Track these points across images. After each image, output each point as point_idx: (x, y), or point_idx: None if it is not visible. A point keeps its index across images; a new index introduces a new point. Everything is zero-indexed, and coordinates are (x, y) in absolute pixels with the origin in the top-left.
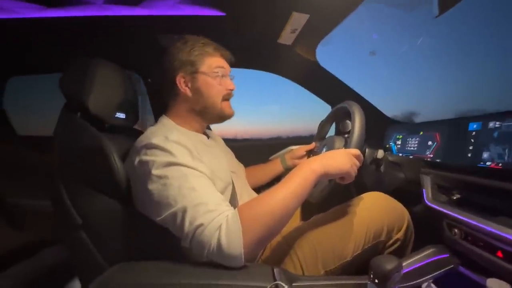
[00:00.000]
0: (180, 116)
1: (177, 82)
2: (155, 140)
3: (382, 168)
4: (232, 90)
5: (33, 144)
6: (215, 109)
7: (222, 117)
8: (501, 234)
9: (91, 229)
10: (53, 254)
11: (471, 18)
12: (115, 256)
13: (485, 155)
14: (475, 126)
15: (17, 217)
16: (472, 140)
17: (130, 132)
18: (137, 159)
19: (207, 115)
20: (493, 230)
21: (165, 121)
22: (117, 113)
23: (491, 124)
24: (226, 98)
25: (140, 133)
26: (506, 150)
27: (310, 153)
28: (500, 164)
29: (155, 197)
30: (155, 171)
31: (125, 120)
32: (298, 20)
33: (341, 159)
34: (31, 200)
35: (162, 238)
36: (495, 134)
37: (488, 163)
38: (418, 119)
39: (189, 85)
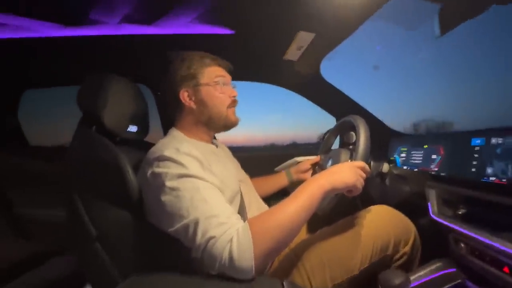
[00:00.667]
0: (188, 128)
1: (181, 97)
2: (167, 152)
3: (387, 181)
4: (235, 96)
5: (44, 154)
6: (220, 118)
7: (228, 125)
8: (507, 250)
9: (105, 241)
10: (61, 264)
11: (474, 36)
12: (128, 266)
13: (489, 170)
14: (478, 141)
15: (26, 227)
16: (476, 155)
17: (141, 145)
18: (149, 171)
19: (213, 125)
20: (499, 246)
21: (175, 133)
22: (130, 127)
23: (493, 140)
24: (231, 105)
25: (151, 145)
26: (509, 166)
27: (315, 166)
28: (504, 180)
29: (167, 208)
30: (168, 183)
31: (137, 133)
32: (304, 38)
33: (347, 173)
34: (39, 209)
35: (173, 250)
36: (498, 150)
37: (492, 179)
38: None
39: (193, 98)
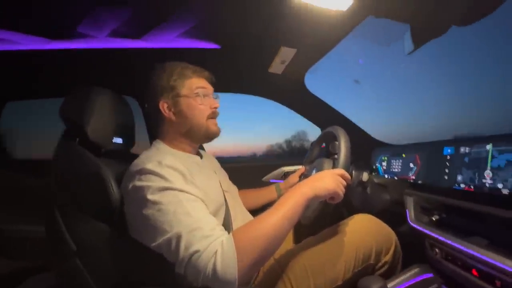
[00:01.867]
0: (171, 140)
1: (161, 108)
2: (149, 165)
3: (368, 190)
4: (216, 108)
5: (25, 167)
6: (200, 129)
7: (209, 136)
8: (474, 253)
9: (85, 256)
10: (41, 282)
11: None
12: (109, 283)
13: (459, 178)
14: (449, 150)
15: (5, 243)
16: (448, 164)
17: (126, 156)
18: (130, 185)
19: (194, 136)
20: (467, 250)
21: (159, 145)
22: (114, 139)
23: (462, 150)
24: (211, 116)
25: (136, 157)
26: (476, 174)
27: (301, 176)
28: (472, 187)
29: (149, 222)
30: (149, 197)
31: (122, 145)
32: (286, 53)
33: (328, 180)
34: (18, 225)
35: (156, 265)
36: (466, 159)
37: (462, 186)
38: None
39: (172, 109)
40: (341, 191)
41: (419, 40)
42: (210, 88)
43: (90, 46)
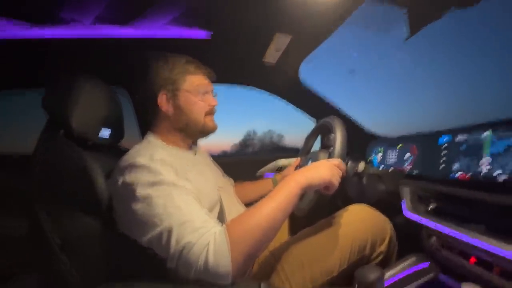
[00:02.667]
0: (164, 134)
1: (159, 100)
2: (140, 159)
3: (364, 180)
4: (214, 105)
5: (7, 162)
6: (197, 125)
7: (205, 132)
8: (471, 241)
9: (70, 251)
10: (26, 281)
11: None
12: (96, 279)
13: (456, 166)
14: (445, 139)
15: None
16: (444, 153)
17: (115, 150)
18: (120, 179)
19: (189, 132)
20: (465, 238)
21: (151, 138)
22: (102, 131)
23: (458, 138)
24: (209, 113)
25: (125, 150)
26: (473, 162)
27: (297, 168)
28: (468, 175)
29: (139, 217)
30: (139, 191)
31: (110, 137)
32: (281, 40)
33: (323, 169)
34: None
35: (145, 260)
36: (463, 147)
37: (458, 174)
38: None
39: (171, 103)
40: (336, 181)
41: (417, 24)
42: (210, 86)
43: (73, 32)
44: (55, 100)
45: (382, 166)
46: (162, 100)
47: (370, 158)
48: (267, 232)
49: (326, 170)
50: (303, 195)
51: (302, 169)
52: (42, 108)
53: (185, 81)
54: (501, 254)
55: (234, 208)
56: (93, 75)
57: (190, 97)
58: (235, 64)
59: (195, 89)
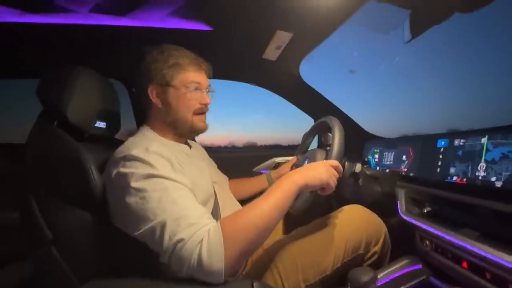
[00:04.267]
0: (158, 127)
1: (149, 93)
2: (135, 152)
3: (360, 182)
4: (206, 104)
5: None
6: (185, 123)
7: (194, 132)
8: (465, 245)
9: (62, 244)
10: (19, 270)
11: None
12: (87, 272)
13: (452, 170)
14: (443, 143)
15: None
16: (441, 156)
17: (111, 142)
18: (115, 171)
19: (178, 129)
20: (458, 242)
21: (146, 131)
22: (97, 123)
23: (456, 142)
24: (198, 112)
25: (121, 143)
26: (469, 167)
27: (293, 167)
28: (464, 180)
29: (133, 210)
30: (134, 184)
31: (106, 129)
32: (282, 38)
33: (321, 170)
34: None
35: (137, 254)
36: (460, 152)
37: (454, 178)
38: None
39: (160, 97)
40: (333, 182)
41: (419, 27)
42: (205, 83)
43: (70, 21)
44: (49, 90)
45: (379, 167)
46: (152, 94)
47: (367, 158)
48: (262, 230)
49: (323, 171)
50: (299, 194)
51: (300, 169)
52: (36, 96)
53: (177, 77)
54: (495, 260)
55: (228, 203)
56: (89, 66)
57: (179, 94)
58: (234, 60)
59: (187, 85)
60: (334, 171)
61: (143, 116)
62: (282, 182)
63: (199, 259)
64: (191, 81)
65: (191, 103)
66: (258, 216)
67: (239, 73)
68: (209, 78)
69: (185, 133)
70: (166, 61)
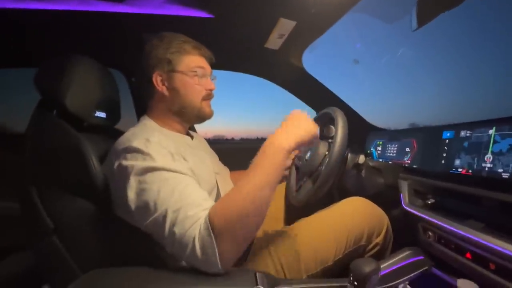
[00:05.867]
0: (160, 117)
1: (154, 81)
2: (136, 143)
3: (363, 173)
4: (212, 90)
5: (2, 142)
6: (193, 109)
7: (201, 117)
8: (469, 236)
9: (64, 234)
10: (21, 261)
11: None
12: (89, 262)
13: (457, 162)
14: (448, 134)
15: None
16: (446, 148)
17: (111, 132)
18: (116, 163)
19: (185, 115)
20: (463, 233)
21: (147, 121)
22: (97, 112)
23: (462, 133)
24: (206, 98)
25: (121, 133)
26: (475, 158)
27: (294, 158)
28: (470, 171)
29: (135, 203)
30: (134, 176)
31: (106, 119)
32: (285, 26)
33: (304, 122)
34: None
35: (139, 243)
36: (466, 143)
37: (459, 170)
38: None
39: (166, 84)
40: (315, 128)
41: (429, 14)
42: (208, 69)
43: (66, 7)
44: (48, 79)
45: (382, 159)
46: (157, 81)
47: (370, 150)
48: (255, 213)
49: (308, 122)
50: (301, 185)
51: (280, 130)
52: (34, 85)
53: (181, 61)
54: (500, 250)
55: None
56: (88, 55)
57: (187, 80)
58: (236, 49)
59: (192, 71)
60: (309, 119)
61: (144, 106)
62: (267, 153)
63: (195, 255)
64: (195, 65)
65: (199, 89)
66: (248, 200)
67: (240, 63)
68: (211, 65)
69: (192, 119)
70: (168, 47)
